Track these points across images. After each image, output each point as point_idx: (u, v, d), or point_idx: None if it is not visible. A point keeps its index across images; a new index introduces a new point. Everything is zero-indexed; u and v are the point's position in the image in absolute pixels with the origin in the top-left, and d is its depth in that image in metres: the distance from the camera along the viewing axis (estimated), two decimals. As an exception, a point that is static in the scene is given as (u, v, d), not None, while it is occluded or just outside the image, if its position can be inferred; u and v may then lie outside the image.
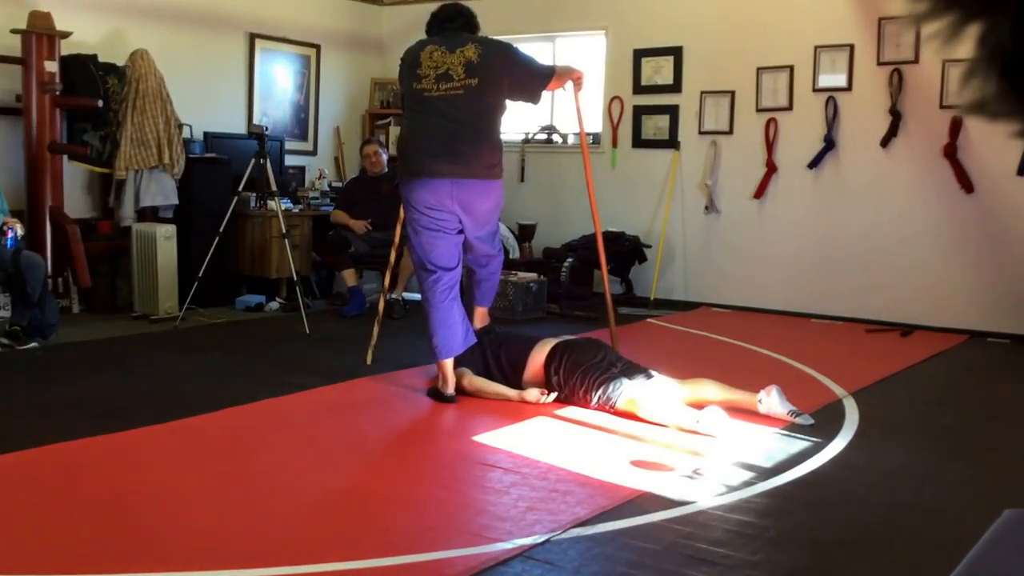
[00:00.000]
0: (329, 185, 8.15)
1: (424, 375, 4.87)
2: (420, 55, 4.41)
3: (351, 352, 5.44)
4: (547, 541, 2.78)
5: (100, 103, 6.40)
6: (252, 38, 7.95)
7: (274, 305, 7.10)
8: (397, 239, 5.30)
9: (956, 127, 6.49)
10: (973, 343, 6.32)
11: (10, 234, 5.48)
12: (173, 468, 3.40)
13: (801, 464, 3.59)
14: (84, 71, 6.45)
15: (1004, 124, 0.73)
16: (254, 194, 7.01)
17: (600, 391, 4.20)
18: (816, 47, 7.02)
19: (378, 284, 7.11)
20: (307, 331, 6.05)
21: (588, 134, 7.96)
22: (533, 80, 4.50)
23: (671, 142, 7.73)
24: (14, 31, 6.15)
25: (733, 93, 7.42)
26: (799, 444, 3.84)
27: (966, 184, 6.49)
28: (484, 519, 2.94)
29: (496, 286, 4.88)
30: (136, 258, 6.62)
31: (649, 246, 7.69)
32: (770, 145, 7.28)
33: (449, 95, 4.32)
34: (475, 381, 4.47)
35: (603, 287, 5.32)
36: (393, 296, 6.56)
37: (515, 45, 4.60)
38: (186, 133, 7.09)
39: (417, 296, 5.68)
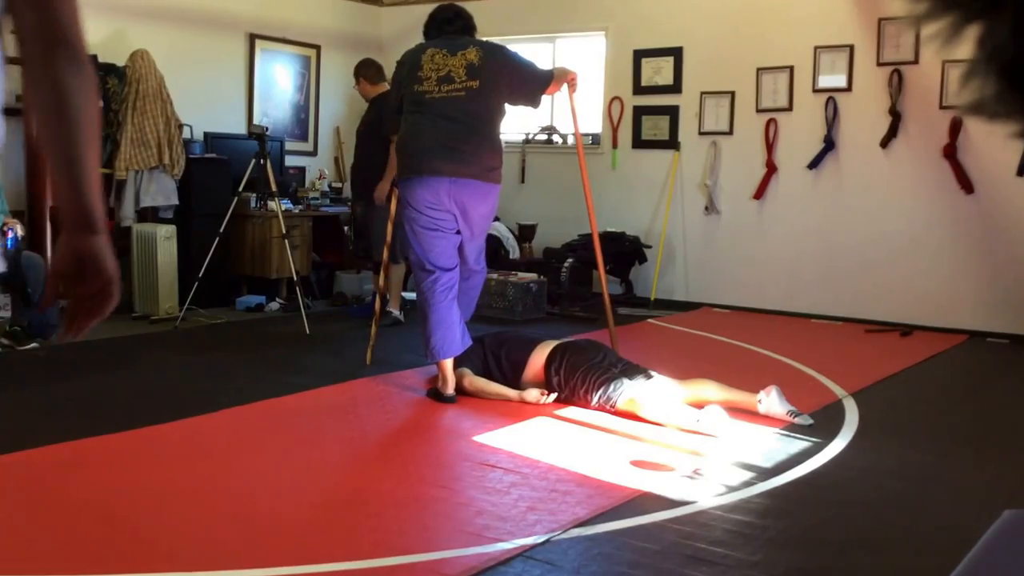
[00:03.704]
0: (329, 186, 8.16)
1: (423, 375, 4.88)
2: (421, 58, 4.42)
3: (351, 352, 5.45)
4: (547, 541, 2.78)
5: (100, 103, 6.39)
6: (252, 38, 7.96)
7: (274, 306, 7.10)
8: (389, 237, 5.29)
9: (956, 128, 6.49)
10: (973, 343, 6.32)
11: (10, 234, 5.49)
12: (173, 468, 3.40)
13: (801, 464, 3.59)
14: (84, 71, 6.44)
15: (1003, 125, 0.73)
16: (254, 194, 7.01)
17: (601, 391, 4.20)
18: (816, 47, 7.02)
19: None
20: (307, 331, 6.05)
21: (588, 135, 8.00)
22: (532, 83, 4.51)
23: (671, 143, 7.74)
24: (14, 31, 6.15)
25: (733, 94, 7.43)
26: (799, 444, 3.85)
27: (966, 184, 6.49)
28: (484, 519, 2.94)
29: (474, 302, 4.79)
30: (136, 258, 6.62)
31: (649, 246, 7.70)
32: (770, 146, 7.29)
33: (451, 96, 4.33)
34: (476, 382, 4.48)
35: (602, 287, 5.33)
36: (393, 312, 6.49)
37: (514, 50, 4.62)
38: (186, 133, 7.09)
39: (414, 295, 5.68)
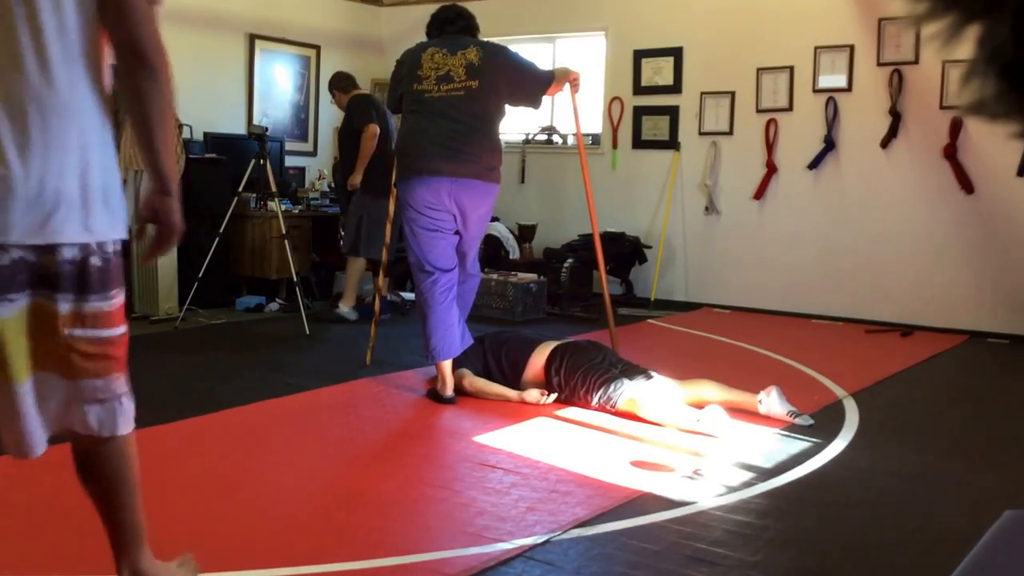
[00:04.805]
0: (329, 186, 8.15)
1: (423, 376, 4.88)
2: (421, 56, 4.42)
3: (350, 353, 5.45)
4: (547, 541, 2.78)
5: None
6: (252, 39, 7.96)
7: (274, 306, 7.10)
8: (388, 238, 5.30)
9: (956, 128, 6.50)
10: (973, 343, 6.32)
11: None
12: (172, 468, 3.39)
13: (801, 465, 3.59)
14: (84, 72, 6.45)
15: (1003, 125, 0.73)
16: (254, 195, 7.01)
17: (601, 391, 4.20)
18: (816, 48, 7.03)
19: (388, 286, 7.08)
20: (307, 332, 6.05)
21: (588, 135, 8.00)
22: (533, 84, 4.51)
23: (671, 143, 7.74)
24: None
25: (733, 94, 7.43)
26: (799, 445, 3.85)
27: (966, 185, 6.50)
28: (484, 519, 2.94)
29: (469, 306, 4.77)
30: (136, 259, 6.62)
31: (649, 247, 7.70)
32: (770, 146, 7.29)
33: (450, 96, 4.33)
34: (475, 382, 4.47)
35: (603, 288, 5.33)
36: (342, 310, 6.60)
37: (515, 51, 4.61)
38: (186, 134, 7.09)
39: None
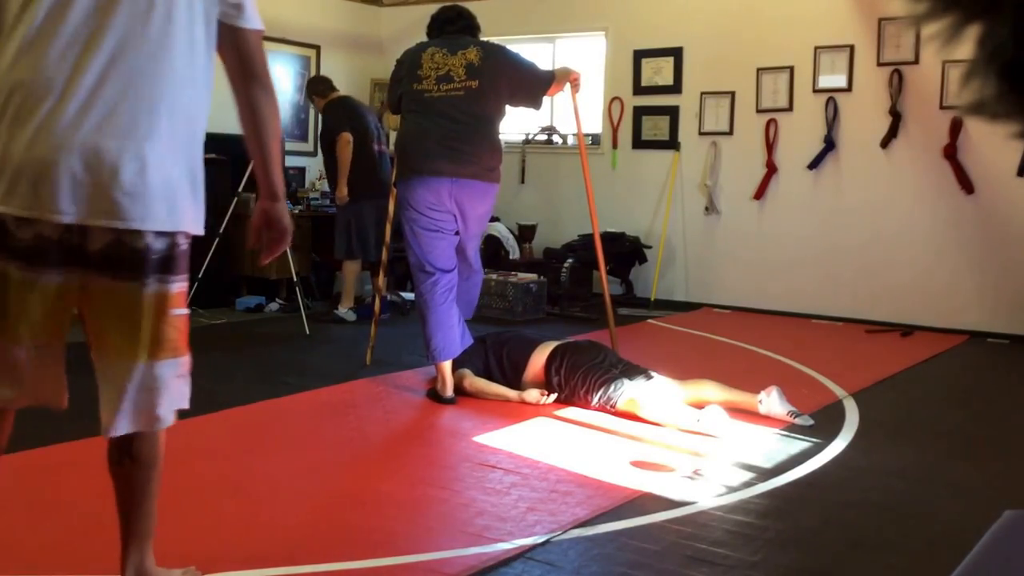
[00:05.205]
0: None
1: (423, 376, 4.88)
2: (421, 56, 4.42)
3: (350, 353, 5.45)
4: (547, 542, 2.78)
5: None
6: (252, 39, 7.95)
7: (274, 306, 7.10)
8: (388, 238, 5.30)
9: (956, 128, 6.49)
10: (973, 343, 6.32)
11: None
12: (172, 468, 3.39)
13: (801, 465, 3.59)
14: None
15: (1003, 125, 0.73)
16: (254, 195, 6.99)
17: (601, 391, 4.20)
18: (816, 48, 7.03)
19: (388, 286, 7.08)
20: (307, 332, 6.05)
21: (588, 135, 8.00)
22: (533, 85, 4.51)
23: (671, 143, 7.74)
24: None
25: (733, 94, 7.43)
26: (799, 445, 3.85)
27: (966, 185, 6.50)
28: (484, 520, 2.94)
29: (474, 302, 4.77)
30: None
31: (649, 247, 7.70)
32: (770, 146, 7.29)
33: (450, 96, 4.33)
34: (475, 382, 4.47)
35: (603, 288, 5.33)
36: (339, 311, 6.65)
37: (515, 51, 4.61)
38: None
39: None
